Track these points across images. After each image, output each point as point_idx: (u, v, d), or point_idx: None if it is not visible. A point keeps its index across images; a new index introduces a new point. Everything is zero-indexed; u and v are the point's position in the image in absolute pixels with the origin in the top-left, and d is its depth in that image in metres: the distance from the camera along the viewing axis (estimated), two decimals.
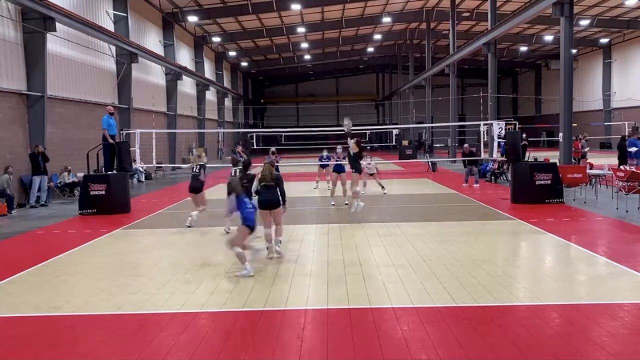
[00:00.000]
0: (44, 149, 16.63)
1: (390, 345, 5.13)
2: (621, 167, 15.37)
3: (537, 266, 8.15)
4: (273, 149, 16.65)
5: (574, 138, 23.20)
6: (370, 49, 54.46)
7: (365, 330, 5.50)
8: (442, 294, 6.66)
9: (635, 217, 11.96)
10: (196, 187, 11.59)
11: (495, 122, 23.26)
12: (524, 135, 20.84)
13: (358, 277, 7.52)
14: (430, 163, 27.47)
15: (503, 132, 21.95)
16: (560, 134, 18.80)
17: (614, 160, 23.00)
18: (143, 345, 5.27)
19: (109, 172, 14.89)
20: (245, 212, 7.88)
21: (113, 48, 24.47)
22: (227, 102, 51.26)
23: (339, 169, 15.54)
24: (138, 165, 23.47)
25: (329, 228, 11.42)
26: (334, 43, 48.67)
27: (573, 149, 22.58)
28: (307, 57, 53.15)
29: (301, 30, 39.83)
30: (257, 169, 10.51)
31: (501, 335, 5.32)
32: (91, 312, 6.33)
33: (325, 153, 19.19)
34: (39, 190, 16.35)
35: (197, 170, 11.62)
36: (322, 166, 19.17)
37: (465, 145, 23.92)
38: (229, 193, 8.40)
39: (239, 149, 14.92)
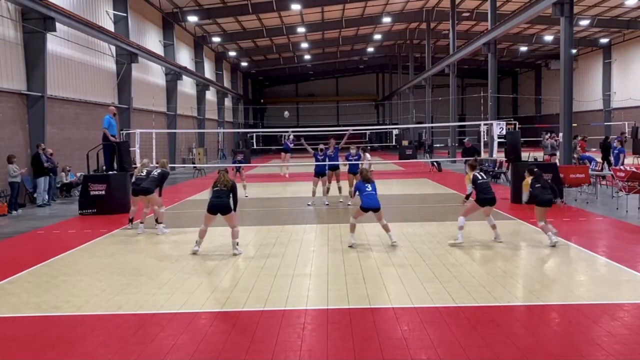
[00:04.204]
0: (57, 164, 16.88)
1: (390, 345, 5.13)
2: (620, 167, 15.38)
3: (537, 266, 8.15)
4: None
5: (580, 138, 23.20)
6: (370, 49, 54.44)
7: (365, 330, 5.50)
8: (442, 294, 6.66)
9: (635, 217, 11.97)
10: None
11: (495, 122, 23.24)
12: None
13: (358, 277, 7.52)
14: (435, 163, 27.15)
15: (504, 131, 21.92)
16: (560, 134, 18.79)
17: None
18: (143, 345, 5.27)
19: (109, 172, 14.90)
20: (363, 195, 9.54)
21: (113, 48, 24.47)
22: (227, 102, 51.25)
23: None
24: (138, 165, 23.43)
25: (328, 228, 11.42)
26: (334, 43, 48.64)
27: (579, 148, 22.59)
28: (307, 57, 53.13)
29: (301, 30, 39.82)
30: None
31: (501, 335, 5.32)
32: (91, 312, 6.33)
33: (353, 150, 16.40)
34: (47, 189, 16.32)
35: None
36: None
37: (466, 140, 23.31)
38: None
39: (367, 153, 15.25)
